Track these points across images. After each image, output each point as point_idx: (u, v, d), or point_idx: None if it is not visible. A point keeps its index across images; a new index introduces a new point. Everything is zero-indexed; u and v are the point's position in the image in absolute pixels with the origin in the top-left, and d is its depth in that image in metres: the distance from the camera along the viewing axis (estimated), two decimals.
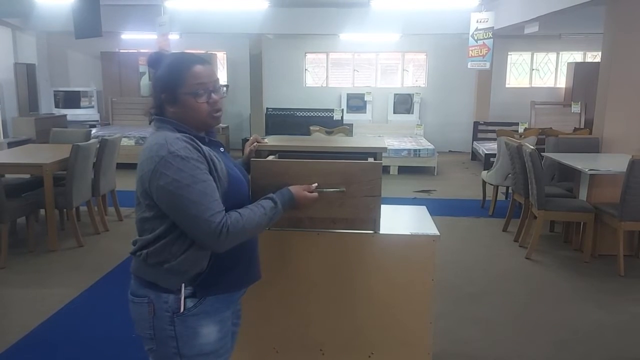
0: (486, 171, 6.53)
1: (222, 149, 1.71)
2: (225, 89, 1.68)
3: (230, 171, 1.63)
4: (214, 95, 1.61)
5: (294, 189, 1.81)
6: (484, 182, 6.50)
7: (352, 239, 2.28)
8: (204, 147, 1.57)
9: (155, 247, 1.57)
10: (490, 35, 7.03)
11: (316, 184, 1.92)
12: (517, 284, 4.21)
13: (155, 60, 1.64)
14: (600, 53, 5.64)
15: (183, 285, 1.57)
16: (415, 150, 8.85)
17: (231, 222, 1.51)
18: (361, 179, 2.02)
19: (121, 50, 11.28)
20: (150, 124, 1.67)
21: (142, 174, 1.54)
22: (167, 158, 1.47)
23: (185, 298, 1.58)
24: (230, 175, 1.62)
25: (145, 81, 10.99)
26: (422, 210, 2.74)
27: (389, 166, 8.69)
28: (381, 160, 2.22)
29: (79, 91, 10.98)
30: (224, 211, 1.52)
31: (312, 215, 2.14)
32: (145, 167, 1.52)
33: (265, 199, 1.69)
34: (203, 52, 10.73)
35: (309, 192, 1.87)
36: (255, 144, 2.17)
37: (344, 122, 10.21)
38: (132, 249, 1.66)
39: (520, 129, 8.08)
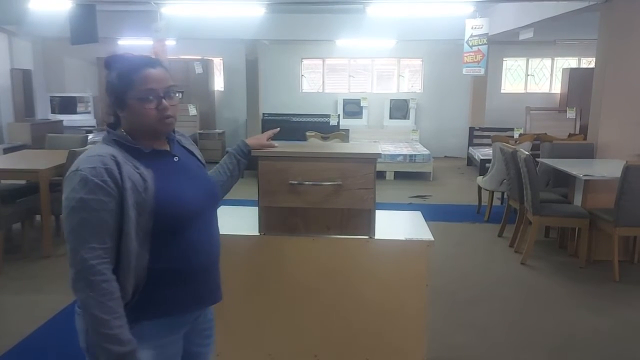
0: (482, 176, 6.55)
1: (176, 159, 1.62)
2: (179, 94, 1.62)
3: (161, 193, 1.49)
4: (164, 101, 1.53)
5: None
6: (480, 188, 6.51)
7: (347, 244, 2.29)
8: (126, 168, 1.45)
9: None
10: (485, 41, 7.06)
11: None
12: (513, 290, 4.22)
13: (109, 62, 1.59)
14: (594, 59, 5.67)
15: None
16: (410, 155, 8.87)
17: (93, 274, 1.38)
18: (356, 174, 2.21)
19: None
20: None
21: None
22: (71, 175, 1.43)
23: None
24: (159, 196, 1.48)
25: None
26: (417, 215, 2.74)
27: (385, 171, 8.70)
28: (375, 162, 2.26)
29: (75, 97, 10.97)
30: (105, 251, 1.41)
31: (312, 206, 2.23)
32: None
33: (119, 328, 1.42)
34: (199, 57, 10.76)
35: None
36: (266, 141, 2.24)
37: (340, 128, 10.22)
38: None
39: (516, 135, 8.10)
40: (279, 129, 2.36)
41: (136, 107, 1.51)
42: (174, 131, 1.68)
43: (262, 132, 10.00)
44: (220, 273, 1.72)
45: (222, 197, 2.00)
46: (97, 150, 1.48)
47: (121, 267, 1.45)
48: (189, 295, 1.60)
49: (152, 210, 1.47)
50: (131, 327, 1.46)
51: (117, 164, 1.44)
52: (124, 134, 1.55)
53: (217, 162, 2.05)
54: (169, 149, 1.64)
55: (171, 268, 1.53)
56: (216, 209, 1.75)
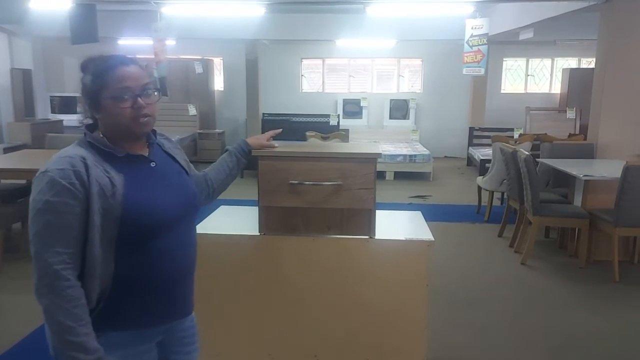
0: (481, 177, 6.55)
1: (153, 164, 1.56)
2: (157, 92, 1.54)
3: (129, 199, 1.44)
4: (140, 100, 1.48)
5: None
6: (480, 188, 6.51)
7: (347, 244, 2.29)
8: (95, 172, 1.41)
9: None
10: (485, 41, 7.06)
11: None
12: (512, 290, 4.22)
13: (84, 65, 1.55)
14: (594, 59, 5.68)
15: None
16: (410, 155, 8.87)
17: (57, 279, 1.34)
18: (356, 174, 2.22)
19: None
20: None
21: None
22: (40, 176, 1.39)
23: None
24: (128, 202, 1.43)
25: None
26: (417, 215, 2.74)
27: (385, 172, 8.70)
28: (375, 162, 2.27)
29: (75, 96, 10.94)
30: (70, 256, 1.37)
31: (313, 206, 2.23)
32: None
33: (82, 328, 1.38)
34: (199, 57, 10.76)
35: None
36: (267, 141, 2.23)
37: (340, 128, 10.23)
38: None
39: (516, 135, 8.10)
40: (281, 129, 2.35)
41: (111, 107, 1.47)
42: (155, 134, 1.63)
43: (262, 132, 10.06)
44: (195, 284, 1.66)
45: (218, 194, 2.00)
46: (68, 152, 1.44)
47: (86, 273, 1.41)
48: (156, 307, 1.54)
49: (119, 216, 1.42)
50: (97, 336, 1.42)
51: (86, 166, 1.40)
52: (101, 136, 1.50)
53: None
54: (147, 153, 1.58)
55: (138, 277, 1.48)
56: (194, 218, 1.68)
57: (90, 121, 1.57)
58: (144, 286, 1.50)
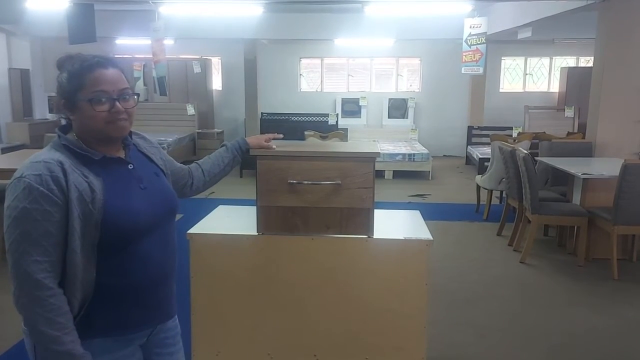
0: (480, 175, 6.55)
1: (130, 166, 1.53)
2: (136, 97, 1.52)
3: (109, 204, 1.41)
4: (118, 104, 1.44)
5: None
6: (478, 187, 6.51)
7: (346, 243, 2.29)
8: (73, 176, 1.37)
9: None
10: (484, 40, 7.06)
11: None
12: (512, 288, 4.22)
13: (61, 63, 1.49)
14: (592, 58, 5.68)
15: None
16: (409, 154, 8.87)
17: (38, 289, 1.32)
18: (355, 173, 2.22)
19: (116, 56, 11.27)
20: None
21: None
22: (15, 182, 1.34)
23: None
24: (107, 208, 1.40)
25: (140, 87, 10.99)
26: (416, 214, 2.74)
27: (384, 171, 8.70)
28: (374, 161, 2.27)
29: None
30: (51, 264, 1.34)
31: (311, 206, 2.23)
32: None
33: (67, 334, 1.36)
34: (198, 57, 10.75)
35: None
36: (266, 142, 2.22)
37: (339, 127, 10.21)
38: None
39: (514, 134, 8.11)
40: (282, 135, 2.34)
41: (87, 109, 1.42)
42: (130, 134, 1.59)
43: (261, 131, 10.04)
44: (175, 287, 1.65)
45: (208, 187, 2.02)
46: (43, 156, 1.38)
47: (67, 280, 1.38)
48: (138, 312, 1.52)
49: (99, 222, 1.39)
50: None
51: (64, 171, 1.36)
52: (75, 139, 1.46)
53: None
54: (124, 155, 1.55)
55: (119, 283, 1.46)
56: (172, 220, 1.64)
57: (64, 122, 1.53)
58: (126, 291, 1.48)
